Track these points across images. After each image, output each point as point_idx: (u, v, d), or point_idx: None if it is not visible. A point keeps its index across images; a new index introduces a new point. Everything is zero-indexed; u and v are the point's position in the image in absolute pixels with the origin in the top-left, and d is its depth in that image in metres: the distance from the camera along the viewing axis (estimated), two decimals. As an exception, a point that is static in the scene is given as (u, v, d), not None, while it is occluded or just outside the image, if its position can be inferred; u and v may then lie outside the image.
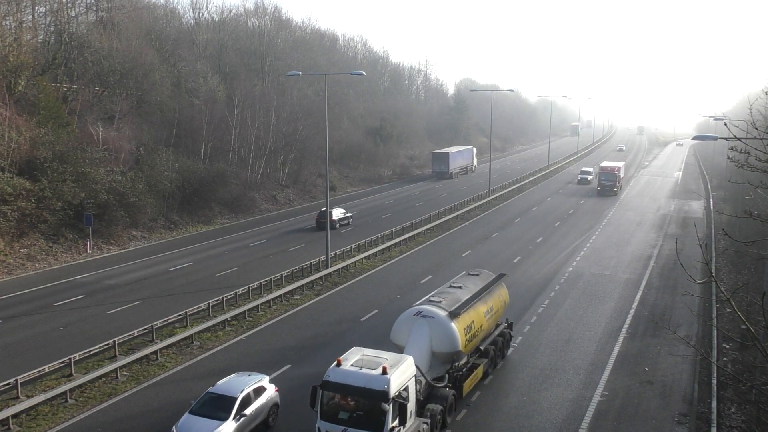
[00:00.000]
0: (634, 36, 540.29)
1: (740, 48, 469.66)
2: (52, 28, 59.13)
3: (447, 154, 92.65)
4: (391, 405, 17.63)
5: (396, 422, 17.95)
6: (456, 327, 21.92)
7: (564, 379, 25.26)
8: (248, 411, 19.89)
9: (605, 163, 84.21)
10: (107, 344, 26.43)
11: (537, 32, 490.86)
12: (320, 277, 38.25)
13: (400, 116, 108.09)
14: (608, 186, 77.84)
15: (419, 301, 24.28)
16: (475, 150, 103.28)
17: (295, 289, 35.86)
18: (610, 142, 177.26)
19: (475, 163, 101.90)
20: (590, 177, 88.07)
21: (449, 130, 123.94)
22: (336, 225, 52.64)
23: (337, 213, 54.51)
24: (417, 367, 19.90)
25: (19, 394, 22.27)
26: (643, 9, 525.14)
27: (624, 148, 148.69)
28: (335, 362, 18.74)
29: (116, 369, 24.48)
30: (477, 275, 27.93)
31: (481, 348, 24.54)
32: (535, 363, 26.76)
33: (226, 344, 28.42)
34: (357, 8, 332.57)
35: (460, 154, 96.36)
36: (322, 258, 40.87)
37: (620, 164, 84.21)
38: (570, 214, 64.46)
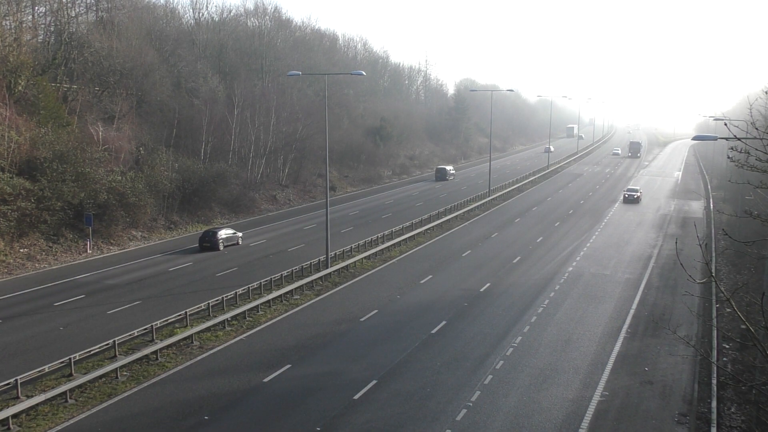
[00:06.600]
0: (633, 36, 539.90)
1: (740, 48, 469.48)
2: (52, 28, 59.16)
3: (573, 127, 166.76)
4: None
5: None
6: None
7: (564, 379, 25.25)
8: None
9: None
10: (107, 344, 26.43)
11: (537, 32, 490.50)
12: (320, 277, 38.25)
13: (400, 116, 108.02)
14: None
15: None
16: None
17: (295, 289, 35.86)
18: (610, 142, 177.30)
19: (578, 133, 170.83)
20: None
21: (449, 130, 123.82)
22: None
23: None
24: None
25: (19, 394, 22.25)
26: (643, 9, 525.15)
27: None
28: None
29: (116, 369, 24.46)
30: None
31: None
32: (535, 363, 26.74)
33: (226, 344, 28.42)
34: (357, 8, 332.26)
35: (575, 128, 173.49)
36: (322, 258, 40.89)
37: None
38: (570, 214, 64.48)
